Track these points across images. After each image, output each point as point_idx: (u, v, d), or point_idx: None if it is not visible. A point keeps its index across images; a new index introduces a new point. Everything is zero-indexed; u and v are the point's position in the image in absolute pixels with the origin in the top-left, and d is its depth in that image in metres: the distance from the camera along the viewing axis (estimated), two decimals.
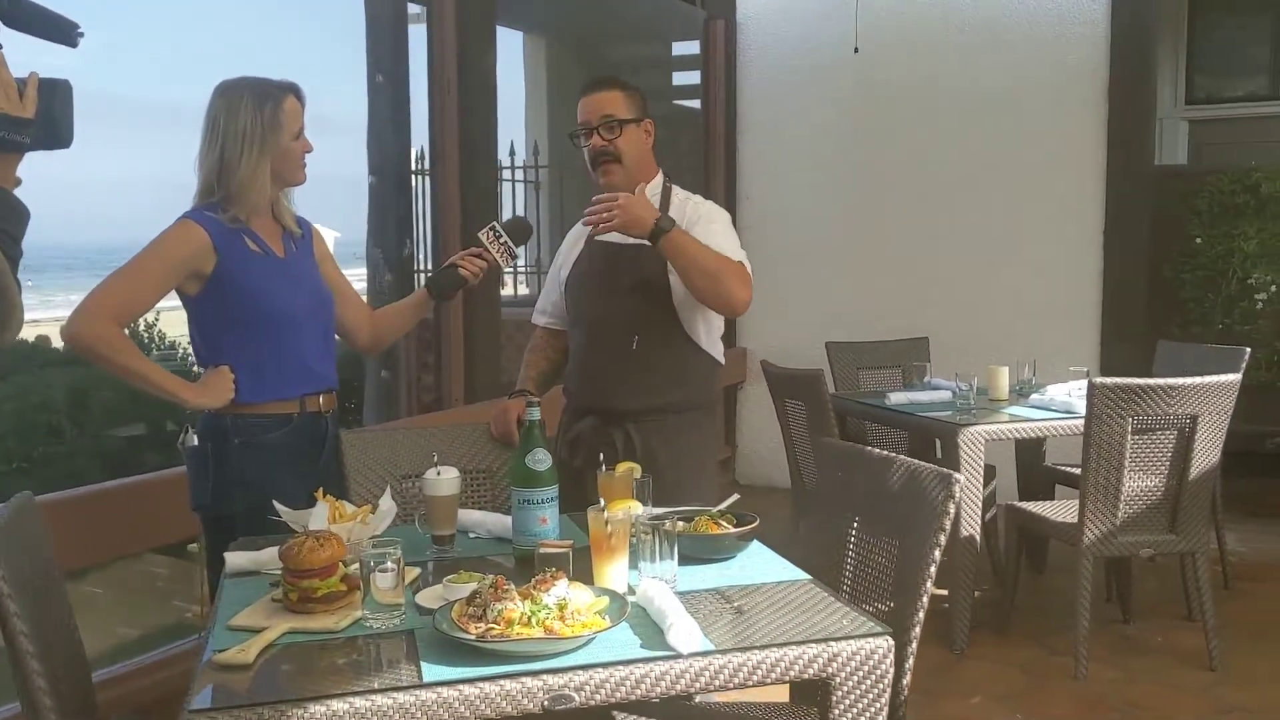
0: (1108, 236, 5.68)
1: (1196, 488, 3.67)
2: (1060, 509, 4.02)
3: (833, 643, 1.78)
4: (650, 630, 1.82)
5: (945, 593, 3.85)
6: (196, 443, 2.64)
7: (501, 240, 2.83)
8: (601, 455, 2.39)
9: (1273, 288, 5.57)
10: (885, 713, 1.82)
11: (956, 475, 2.09)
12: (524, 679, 1.68)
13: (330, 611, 1.94)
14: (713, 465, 3.00)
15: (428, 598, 2.00)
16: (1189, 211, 5.83)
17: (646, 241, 2.67)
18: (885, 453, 2.36)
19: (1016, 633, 4.08)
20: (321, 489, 2.26)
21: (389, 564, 1.87)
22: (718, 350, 3.00)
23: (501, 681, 1.67)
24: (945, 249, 5.96)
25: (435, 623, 1.81)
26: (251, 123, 2.59)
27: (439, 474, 2.32)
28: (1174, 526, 3.72)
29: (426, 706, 1.64)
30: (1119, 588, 4.25)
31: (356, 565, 2.01)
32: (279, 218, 2.75)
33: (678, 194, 2.96)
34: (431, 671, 1.68)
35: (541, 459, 2.24)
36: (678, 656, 1.73)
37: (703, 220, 2.86)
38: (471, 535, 2.46)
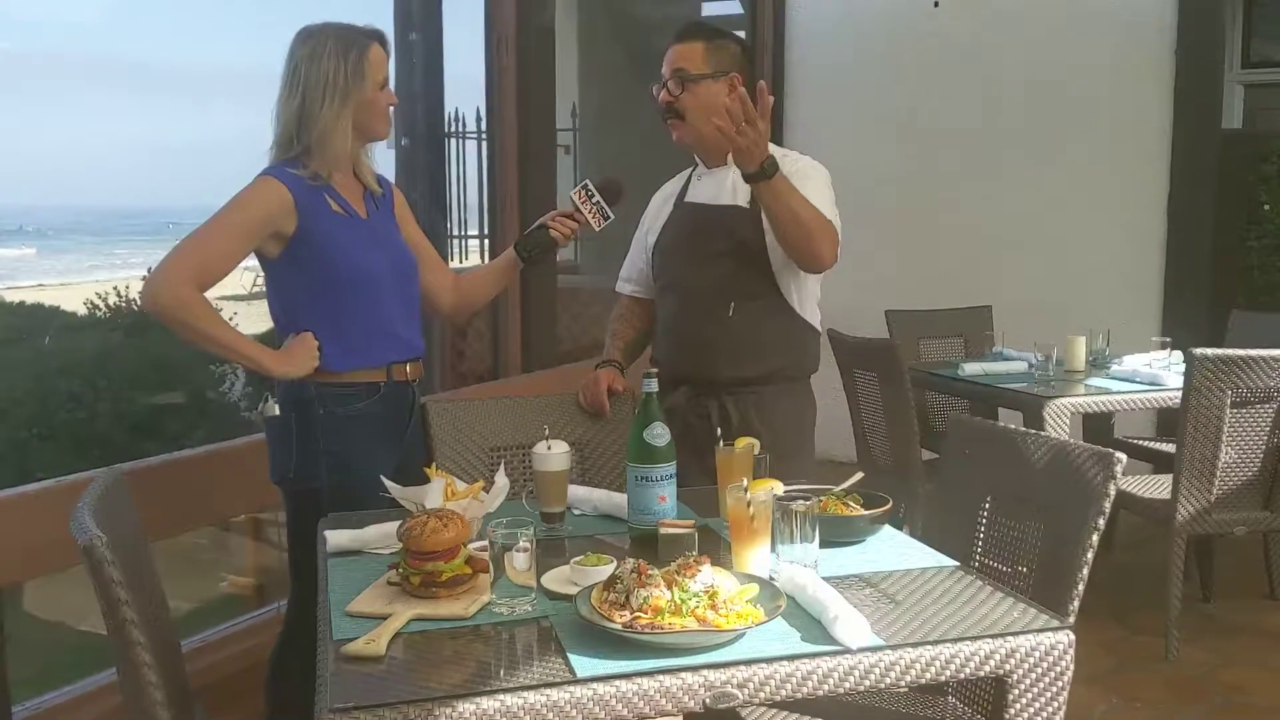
0: (1172, 202, 5.50)
1: None
2: (1141, 484, 3.88)
3: (1010, 638, 1.64)
4: (805, 621, 1.69)
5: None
6: (278, 412, 2.50)
7: (594, 200, 2.68)
8: (719, 430, 2.24)
9: None
10: (1063, 711, 1.68)
11: (1118, 455, 1.95)
12: (683, 675, 1.55)
13: (455, 596, 1.80)
14: (811, 439, 2.86)
15: (554, 581, 1.86)
16: (1257, 177, 5.65)
17: (746, 183, 2.54)
18: (1026, 430, 2.22)
19: (1096, 613, 3.94)
20: (434, 463, 2.12)
21: (524, 544, 1.73)
22: (815, 318, 2.85)
23: (660, 678, 1.54)
24: (1004, 215, 5.79)
25: (577, 609, 1.68)
26: (335, 70, 2.45)
27: (549, 448, 2.18)
28: (1269, 503, 3.58)
29: (582, 704, 1.51)
30: (1200, 566, 4.11)
31: (477, 546, 1.88)
32: (360, 176, 2.61)
33: (773, 152, 2.80)
34: (582, 665, 1.55)
35: (660, 433, 2.10)
36: (846, 652, 1.59)
37: (798, 176, 2.70)
38: (576, 512, 2.32)
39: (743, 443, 2.17)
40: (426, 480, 2.61)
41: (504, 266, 2.80)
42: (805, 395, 2.84)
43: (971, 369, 4.23)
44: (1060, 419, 3.72)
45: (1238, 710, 3.25)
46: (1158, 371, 4.00)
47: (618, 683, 1.52)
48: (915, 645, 1.61)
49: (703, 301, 2.76)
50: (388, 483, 2.10)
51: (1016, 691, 1.66)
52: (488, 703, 1.48)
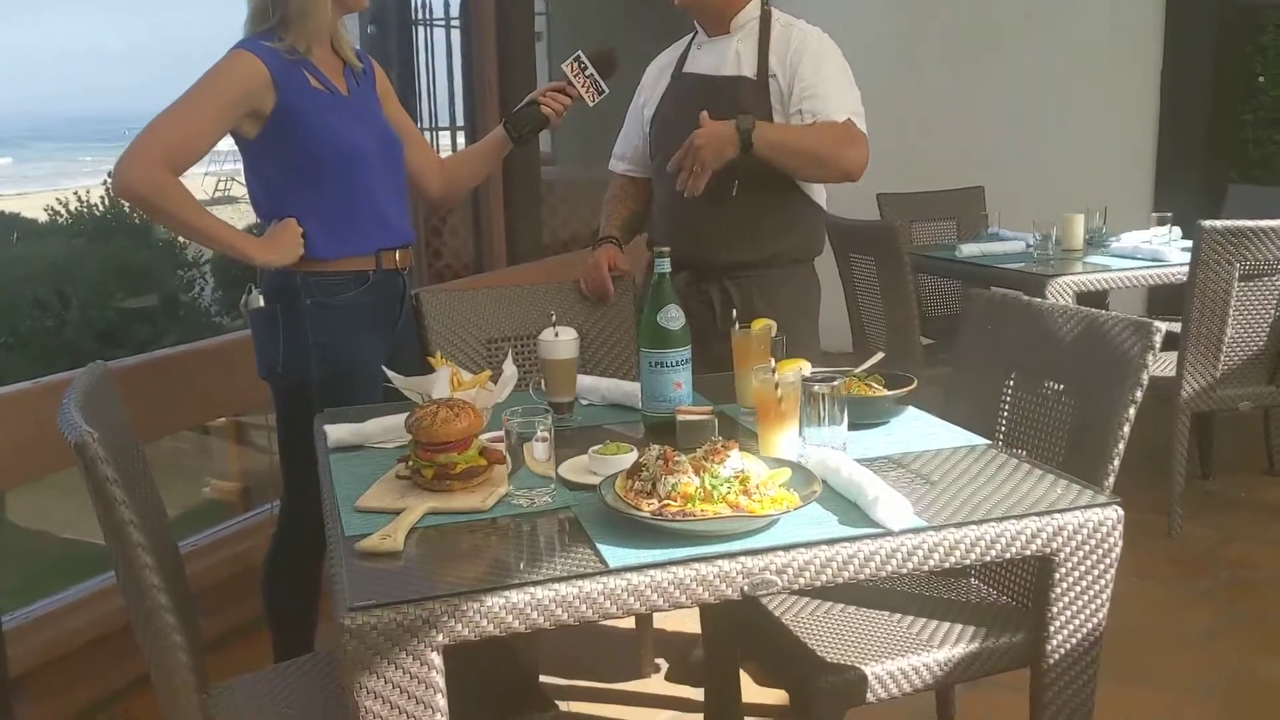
0: (1165, 77, 5.36)
1: None
2: None
3: (1058, 515, 1.57)
4: (841, 505, 1.61)
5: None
6: (263, 304, 2.37)
7: (588, 73, 2.53)
8: (735, 313, 2.14)
9: None
10: (1109, 590, 1.62)
11: (1157, 324, 1.86)
12: (720, 563, 1.46)
13: (470, 489, 1.71)
14: (816, 324, 2.76)
15: (571, 471, 1.77)
16: (1253, 48, 5.51)
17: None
18: (1052, 302, 2.12)
19: None
20: (439, 352, 2.01)
21: (543, 433, 1.63)
22: (821, 197, 2.73)
23: (696, 566, 1.46)
24: (997, 93, 5.63)
25: (602, 499, 1.59)
26: None
27: (556, 335, 2.07)
28: (1274, 378, 3.53)
29: (615, 595, 1.43)
30: (1199, 443, 4.08)
31: (490, 438, 1.78)
32: (339, 50, 2.44)
33: (779, 20, 2.64)
34: (613, 555, 1.46)
35: (674, 316, 2.00)
36: (887, 534, 1.51)
37: (809, 58, 2.55)
38: (584, 402, 2.22)
39: (759, 324, 2.07)
40: (426, 372, 2.51)
41: (492, 147, 2.65)
42: (810, 278, 2.73)
43: (969, 250, 4.13)
44: (1062, 298, 3.63)
45: (1244, 584, 3.24)
46: (1158, 248, 3.92)
47: (652, 572, 1.44)
48: (959, 525, 1.54)
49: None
50: (390, 373, 1.99)
51: (1063, 570, 1.59)
52: (517, 596, 1.39)
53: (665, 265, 2.01)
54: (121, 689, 2.74)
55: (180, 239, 9.41)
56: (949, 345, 4.00)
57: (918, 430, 1.98)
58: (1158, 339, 1.86)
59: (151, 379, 2.77)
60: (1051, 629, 1.63)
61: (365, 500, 1.70)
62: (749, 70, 2.57)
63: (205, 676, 1.69)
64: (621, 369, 2.70)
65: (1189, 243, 4.07)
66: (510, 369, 2.00)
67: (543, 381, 2.14)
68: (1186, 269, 3.69)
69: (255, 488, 4.42)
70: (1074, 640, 1.63)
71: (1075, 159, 5.47)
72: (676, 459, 1.61)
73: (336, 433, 2.00)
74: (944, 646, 1.89)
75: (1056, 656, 1.63)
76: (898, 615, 2.00)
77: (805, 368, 1.84)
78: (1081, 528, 1.57)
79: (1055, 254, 4.02)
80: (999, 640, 1.91)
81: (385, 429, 2.02)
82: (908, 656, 1.86)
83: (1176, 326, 3.47)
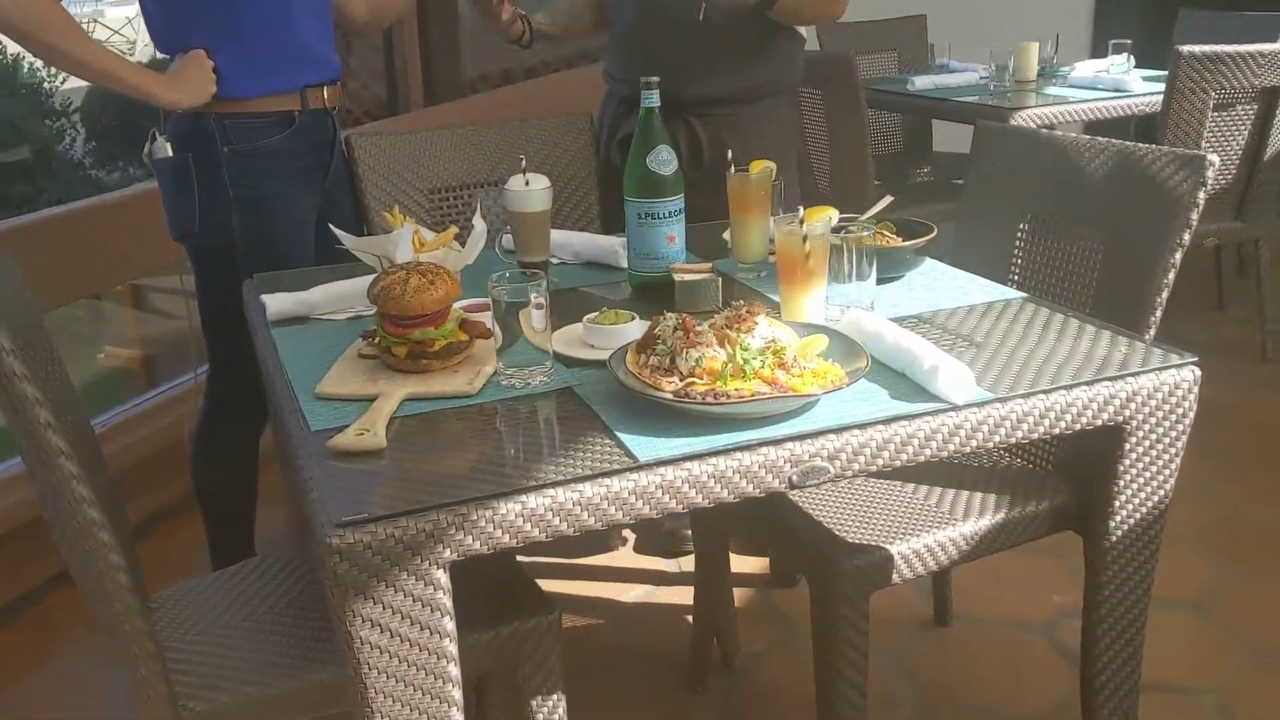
0: None
1: (1270, 170, 3.35)
2: None
3: (1131, 379, 1.39)
4: (887, 375, 1.40)
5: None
6: (171, 153, 2.04)
7: None
8: (730, 154, 1.88)
9: None
10: (1180, 459, 1.46)
11: (1210, 157, 1.66)
12: (764, 451, 1.25)
13: (452, 368, 1.46)
14: (795, 168, 2.51)
15: (561, 344, 1.53)
16: None
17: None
18: (1077, 135, 1.91)
19: None
20: (396, 207, 1.72)
21: (539, 298, 1.38)
22: None
23: (739, 456, 1.24)
24: None
25: (615, 377, 1.36)
26: None
27: (528, 183, 1.80)
28: (1240, 213, 3.42)
29: (648, 494, 1.21)
30: None
31: (466, 306, 1.53)
32: None
33: None
34: (640, 447, 1.24)
35: (666, 159, 1.74)
36: (951, 409, 1.32)
37: None
38: (555, 261, 1.97)
39: (758, 166, 1.82)
40: (363, 230, 2.23)
41: None
42: (789, 115, 2.47)
43: (922, 83, 3.90)
44: None
45: (1218, 421, 3.17)
46: (1119, 77, 3.73)
47: (689, 465, 1.23)
48: (1027, 396, 1.35)
49: (665, 2, 2.32)
50: (339, 232, 1.70)
51: (1135, 439, 1.42)
52: (535, 500, 1.17)
53: (654, 98, 1.74)
54: (38, 587, 2.49)
55: (48, 82, 8.65)
56: (898, 187, 3.81)
57: (941, 284, 1.78)
58: (1210, 174, 1.67)
59: (44, 241, 2.42)
60: (1117, 503, 1.47)
61: (327, 385, 1.44)
62: None
63: (143, 584, 1.44)
64: (582, 221, 2.44)
65: (1147, 72, 3.92)
66: (480, 225, 1.73)
67: (506, 239, 1.88)
68: (1151, 99, 3.54)
69: (159, 356, 4.09)
70: (1140, 513, 1.48)
71: None
72: (698, 329, 1.38)
73: (277, 304, 1.72)
74: (968, 520, 1.73)
75: (1122, 531, 1.48)
76: (911, 487, 1.82)
77: (833, 217, 1.61)
78: (1157, 392, 1.40)
79: (1011, 86, 3.81)
80: (1025, 509, 1.76)
81: (333, 297, 1.75)
82: (932, 533, 1.69)
83: None
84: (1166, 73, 3.84)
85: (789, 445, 1.26)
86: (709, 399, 1.29)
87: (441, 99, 4.02)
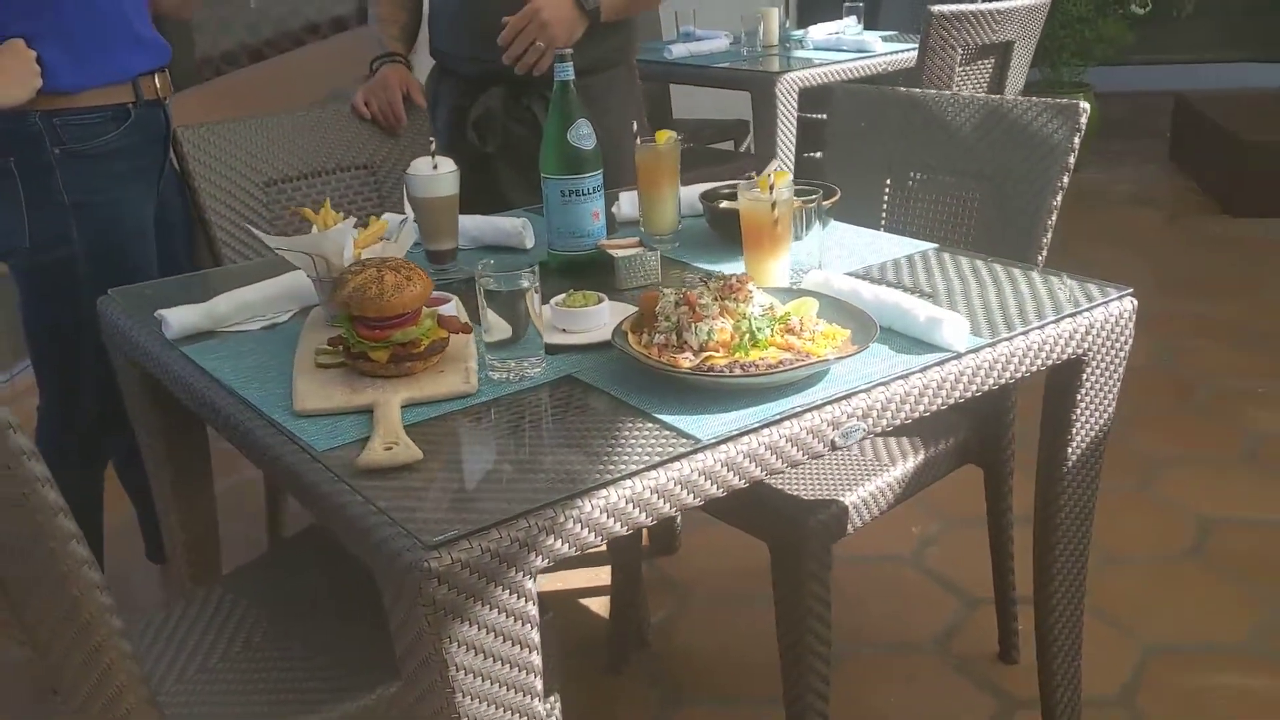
0: None
1: None
2: None
3: (1086, 313, 1.49)
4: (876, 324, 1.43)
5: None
6: None
7: None
8: (635, 125, 1.85)
9: None
10: (1119, 384, 1.58)
11: (1083, 104, 1.81)
12: (807, 417, 1.26)
13: (436, 369, 1.36)
14: (639, 133, 2.50)
15: None
16: None
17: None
18: (940, 92, 2.02)
19: None
20: (327, 201, 1.56)
21: (532, 284, 1.32)
22: None
23: (788, 425, 1.24)
24: None
25: (634, 358, 1.32)
26: None
27: (436, 167, 1.70)
28: None
29: (714, 473, 1.19)
30: None
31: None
32: None
33: None
34: (696, 427, 1.21)
35: (586, 134, 1.69)
36: (955, 356, 1.37)
37: None
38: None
39: (664, 136, 1.80)
40: (206, 232, 2.04)
41: None
42: (632, 82, 2.46)
43: (679, 51, 3.96)
44: (789, 96, 3.58)
45: None
46: (861, 38, 3.94)
47: (746, 440, 1.21)
48: (1010, 338, 1.42)
49: None
50: (262, 235, 1.53)
51: (1090, 369, 1.53)
52: (615, 494, 1.12)
53: (568, 70, 1.69)
54: None
55: None
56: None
57: (852, 242, 1.83)
58: (1083, 120, 1.82)
59: None
60: (1074, 429, 1.57)
61: (307, 402, 1.30)
62: None
63: None
64: None
65: (876, 33, 4.18)
66: (409, 212, 1.61)
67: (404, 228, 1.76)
68: (895, 57, 3.77)
69: None
70: (1090, 439, 1.59)
71: None
72: (701, 302, 1.36)
73: (180, 319, 1.53)
74: (897, 464, 1.81)
75: (1075, 458, 1.59)
76: None
77: (790, 179, 1.61)
78: (1106, 322, 1.51)
79: (761, 51, 3.95)
80: (937, 448, 1.87)
81: (240, 307, 1.58)
82: (873, 480, 1.77)
83: None
84: (893, 33, 4.18)
85: (828, 409, 1.27)
86: (742, 371, 1.28)
87: (178, 86, 3.68)
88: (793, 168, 3.67)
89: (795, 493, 1.72)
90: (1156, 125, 5.94)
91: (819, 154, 4.03)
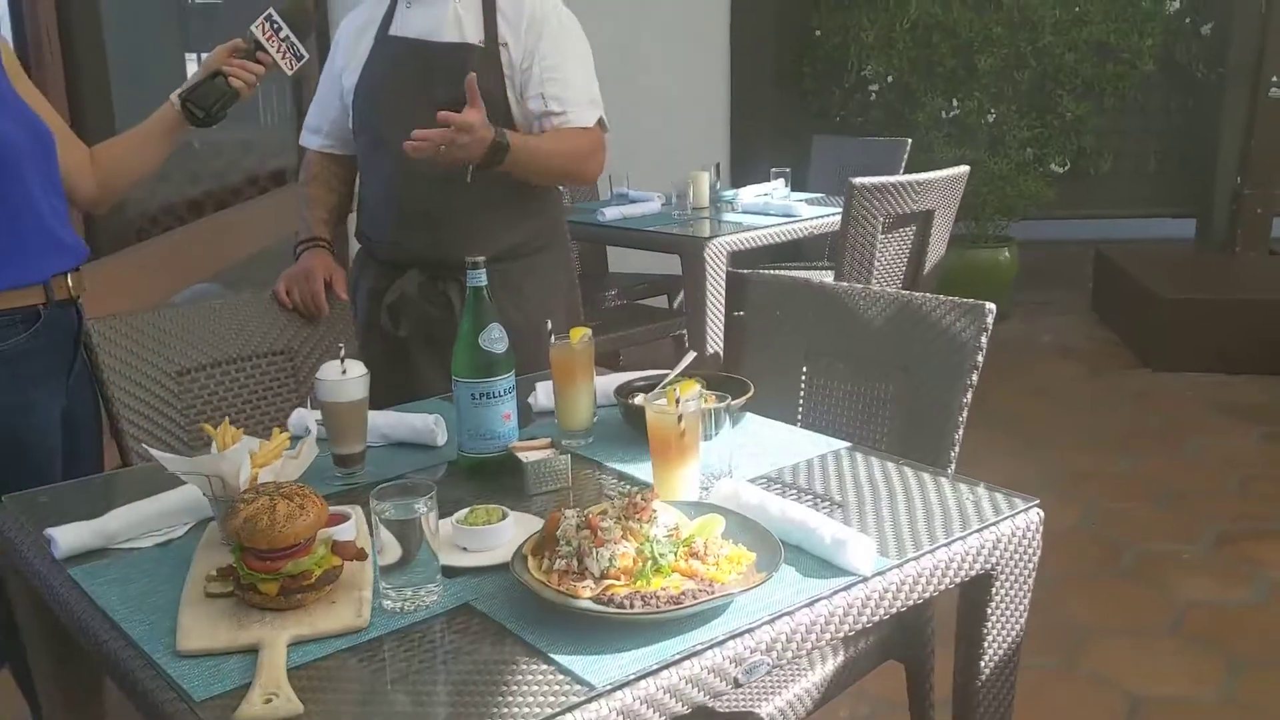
0: (734, 32, 5.57)
1: (929, 281, 3.75)
2: None
3: (993, 527, 1.49)
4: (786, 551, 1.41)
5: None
6: None
7: (282, 35, 2.09)
8: (550, 323, 1.85)
9: (888, 79, 5.78)
10: (1029, 597, 1.57)
11: (989, 305, 1.84)
12: (708, 655, 1.23)
13: (329, 600, 1.32)
14: (579, 316, 2.51)
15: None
16: (810, 4, 5.84)
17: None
18: (850, 285, 2.06)
19: None
20: (226, 420, 1.53)
21: (429, 507, 1.29)
22: None
23: (687, 665, 1.21)
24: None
25: (532, 591, 1.28)
26: None
27: (345, 371, 1.68)
28: None
29: None
30: None
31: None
32: None
33: None
34: (589, 670, 1.18)
35: (498, 336, 1.68)
36: (860, 580, 1.35)
37: (550, 34, 2.26)
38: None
39: (578, 334, 1.80)
40: (115, 426, 1.99)
41: (160, 131, 2.09)
42: (562, 264, 2.47)
43: (612, 214, 4.02)
44: (718, 259, 3.63)
45: None
46: (787, 203, 4.04)
47: (644, 684, 1.17)
48: (918, 557, 1.41)
49: (428, 163, 2.26)
50: (159, 454, 1.49)
51: (999, 584, 1.52)
52: None
53: (481, 277, 1.69)
54: None
55: None
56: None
57: (767, 438, 1.83)
58: (990, 320, 1.85)
59: None
60: (985, 643, 1.55)
61: (190, 640, 1.25)
62: (474, 36, 2.25)
63: None
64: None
65: (802, 195, 4.28)
66: (311, 426, 1.59)
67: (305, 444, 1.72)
68: (820, 222, 3.85)
69: None
70: (1002, 649, 1.57)
71: (655, 113, 5.50)
72: (603, 524, 1.33)
73: (69, 538, 1.48)
74: (815, 667, 1.78)
75: (989, 671, 1.57)
76: None
77: (698, 390, 1.61)
78: (1014, 535, 1.50)
79: (691, 214, 4.02)
80: (859, 646, 1.84)
81: (134, 522, 1.53)
82: (790, 687, 1.73)
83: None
84: (819, 195, 4.29)
85: (730, 645, 1.24)
86: (643, 604, 1.25)
87: (107, 249, 3.66)
88: (722, 325, 3.71)
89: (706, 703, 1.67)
90: (1079, 275, 6.11)
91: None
